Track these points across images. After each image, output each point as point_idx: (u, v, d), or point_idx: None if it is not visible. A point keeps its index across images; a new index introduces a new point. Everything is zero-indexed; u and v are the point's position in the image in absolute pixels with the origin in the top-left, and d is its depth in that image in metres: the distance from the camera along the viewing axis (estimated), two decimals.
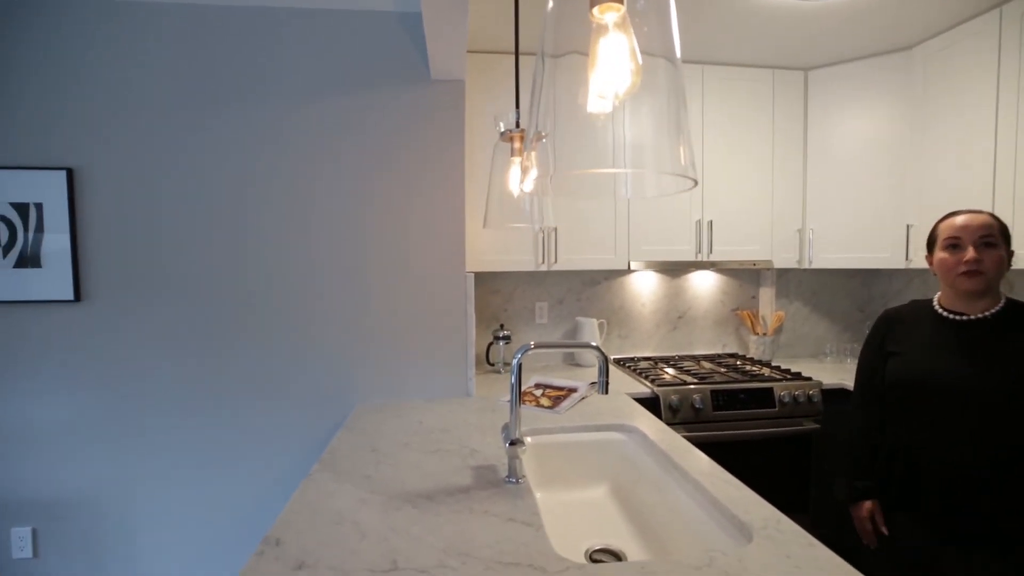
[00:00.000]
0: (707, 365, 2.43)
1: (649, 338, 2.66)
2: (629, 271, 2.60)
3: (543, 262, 2.23)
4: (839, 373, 2.35)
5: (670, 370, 2.32)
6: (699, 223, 2.34)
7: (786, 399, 2.08)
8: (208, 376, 1.84)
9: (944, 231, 1.30)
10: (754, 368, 2.35)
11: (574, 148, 0.55)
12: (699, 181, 0.57)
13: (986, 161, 1.90)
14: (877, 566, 1.38)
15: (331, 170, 1.86)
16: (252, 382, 1.86)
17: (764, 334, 2.62)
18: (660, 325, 2.66)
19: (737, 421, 2.04)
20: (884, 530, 1.36)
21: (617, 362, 2.52)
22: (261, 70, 1.81)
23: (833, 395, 2.16)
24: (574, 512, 1.47)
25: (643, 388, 2.06)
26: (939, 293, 1.35)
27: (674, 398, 2.00)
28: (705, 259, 2.35)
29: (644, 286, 2.64)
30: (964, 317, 1.28)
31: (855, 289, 2.79)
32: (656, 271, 2.63)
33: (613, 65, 0.56)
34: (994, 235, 1.23)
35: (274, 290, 1.85)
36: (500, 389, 2.05)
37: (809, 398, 2.10)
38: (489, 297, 2.52)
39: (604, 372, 1.20)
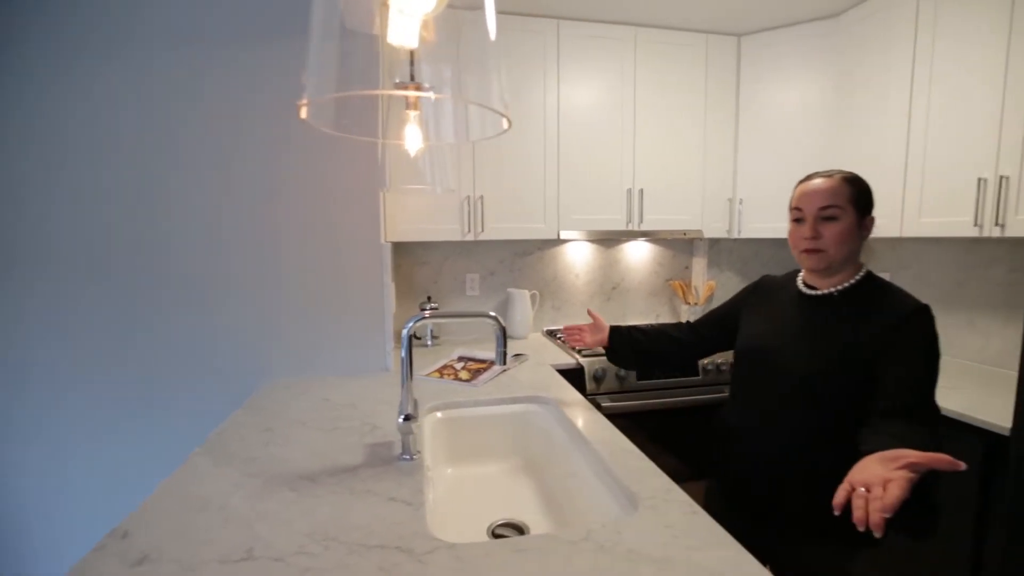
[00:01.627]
0: None
1: (583, 309, 2.64)
2: (560, 241, 2.55)
3: (469, 231, 2.15)
4: None
5: None
6: (630, 192, 2.30)
7: (709, 367, 2.11)
8: (98, 355, 1.69)
9: (794, 199, 1.11)
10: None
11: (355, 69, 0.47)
12: (511, 121, 0.52)
13: (901, 131, 1.93)
14: None
15: (234, 130, 1.70)
16: (149, 361, 1.72)
17: (695, 304, 2.64)
18: (594, 296, 2.65)
19: (661, 390, 2.06)
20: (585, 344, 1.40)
21: (549, 333, 2.49)
22: (152, 17, 1.62)
23: None
24: (485, 486, 1.43)
25: (570, 359, 2.04)
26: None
27: (598, 368, 1.99)
28: (636, 229, 2.32)
29: (578, 256, 2.60)
30: (815, 291, 1.12)
31: (785, 259, 2.83)
32: (589, 241, 2.59)
33: None
34: (837, 205, 1.04)
35: (174, 262, 1.70)
36: (424, 363, 1.98)
37: (732, 366, 2.13)
38: (417, 268, 2.43)
39: (501, 343, 1.15)
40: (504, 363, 1.15)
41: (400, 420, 1.14)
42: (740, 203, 2.44)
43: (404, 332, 1.11)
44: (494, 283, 2.51)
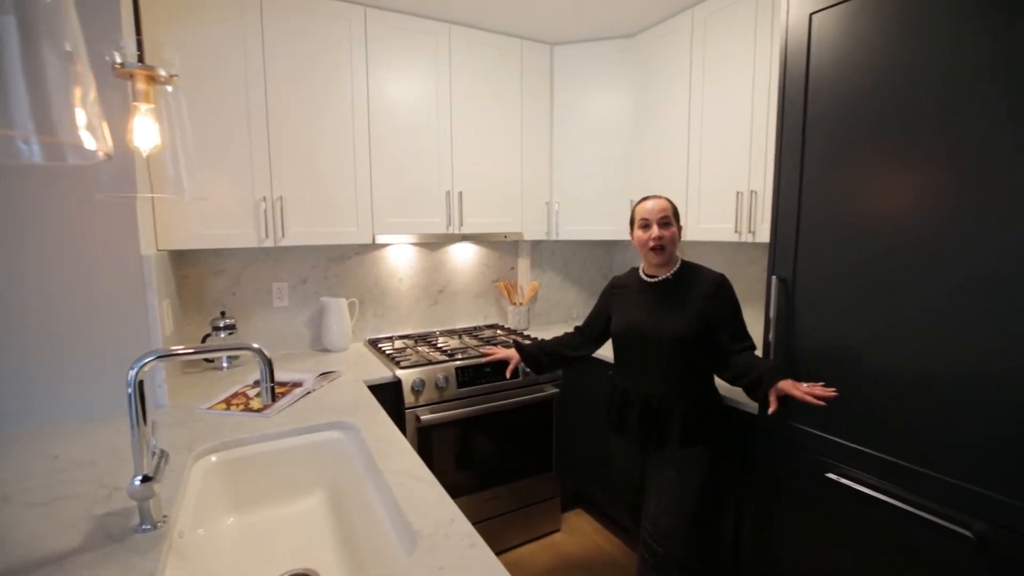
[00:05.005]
0: (466, 339, 2.41)
1: (409, 315, 2.54)
2: (378, 245, 2.41)
3: (267, 237, 1.90)
4: None
5: (424, 348, 2.24)
6: (449, 194, 2.25)
7: (528, 370, 2.15)
8: None
9: (639, 213, 1.57)
10: (507, 338, 2.40)
11: None
12: (111, 153, 0.41)
13: (682, 146, 2.16)
14: (611, 481, 1.86)
15: None
16: None
17: (521, 304, 2.71)
18: (420, 300, 2.56)
19: (483, 395, 2.05)
20: (507, 375, 1.85)
21: (372, 343, 2.34)
22: None
23: None
24: (277, 531, 1.26)
25: (387, 372, 1.92)
26: (643, 263, 1.66)
27: (416, 380, 1.90)
28: (456, 232, 2.28)
29: (401, 260, 2.48)
30: (655, 279, 1.60)
31: (599, 258, 3.06)
32: (411, 244, 2.49)
33: None
34: (669, 216, 1.54)
35: None
36: (214, 391, 1.70)
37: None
38: (210, 279, 2.09)
39: (267, 378, 0.99)
40: (272, 399, 1.00)
41: (136, 483, 0.92)
42: (557, 206, 2.55)
43: (131, 374, 0.89)
44: (307, 292, 2.28)
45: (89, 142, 0.41)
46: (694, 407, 1.52)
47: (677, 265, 1.58)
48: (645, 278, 1.62)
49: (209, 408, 1.53)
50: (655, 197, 1.56)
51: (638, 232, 1.57)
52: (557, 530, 2.34)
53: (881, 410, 1.27)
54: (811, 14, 1.36)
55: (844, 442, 1.35)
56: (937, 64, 1.13)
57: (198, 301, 2.08)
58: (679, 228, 1.57)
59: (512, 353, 1.83)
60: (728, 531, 1.73)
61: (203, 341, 2.01)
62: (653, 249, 1.53)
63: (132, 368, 0.90)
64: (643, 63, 2.35)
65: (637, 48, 2.38)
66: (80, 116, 0.42)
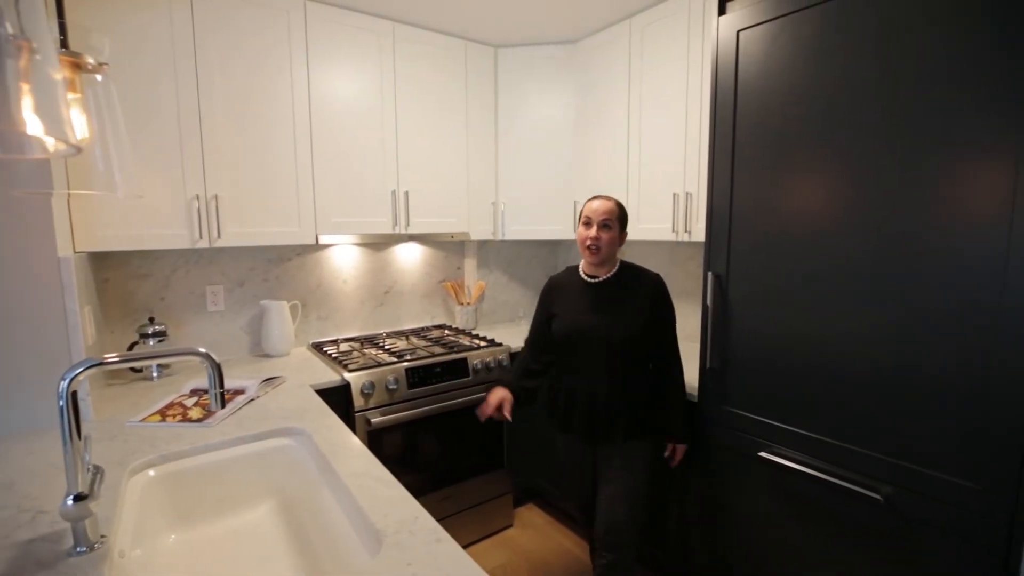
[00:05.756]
0: (414, 340, 2.40)
1: (354, 316, 2.48)
2: (321, 246, 2.34)
3: (202, 237, 1.79)
4: None
5: (371, 350, 2.20)
6: (395, 194, 2.22)
7: (479, 367, 2.18)
8: None
9: (585, 210, 1.59)
10: (455, 338, 2.40)
11: None
12: (78, 146, 0.39)
13: (622, 150, 2.26)
14: (560, 478, 2.05)
15: None
16: None
17: (468, 303, 2.72)
18: (365, 302, 2.51)
19: (434, 395, 2.05)
20: (508, 416, 1.65)
21: (316, 347, 2.27)
22: None
23: None
24: (227, 545, 1.21)
25: (335, 376, 1.87)
26: (582, 261, 1.66)
27: (366, 382, 1.87)
28: (403, 232, 2.26)
29: (345, 261, 2.42)
30: (595, 279, 1.61)
31: (544, 257, 3.13)
32: (356, 244, 2.44)
33: None
34: (611, 220, 1.55)
35: None
36: (145, 403, 1.59)
37: (500, 363, 2.24)
38: (135, 282, 1.94)
39: (216, 384, 0.95)
40: (222, 406, 0.96)
41: (69, 503, 0.86)
42: (503, 206, 2.58)
43: (63, 386, 0.83)
44: (244, 295, 2.17)
45: (41, 131, 0.39)
46: (640, 404, 1.58)
47: (616, 267, 1.61)
48: (586, 278, 1.63)
49: (142, 420, 1.43)
50: (603, 198, 1.58)
51: (581, 228, 1.59)
52: (510, 525, 2.38)
53: (805, 392, 1.40)
54: (738, 31, 1.47)
55: (774, 423, 1.47)
56: (851, 79, 1.26)
57: (121, 307, 1.93)
58: (623, 234, 1.59)
59: (505, 394, 1.66)
60: (674, 512, 1.84)
61: (130, 349, 1.86)
62: (588, 247, 1.55)
63: (64, 379, 0.83)
64: (585, 69, 2.43)
65: (579, 54, 2.45)
66: (28, 103, 0.40)
